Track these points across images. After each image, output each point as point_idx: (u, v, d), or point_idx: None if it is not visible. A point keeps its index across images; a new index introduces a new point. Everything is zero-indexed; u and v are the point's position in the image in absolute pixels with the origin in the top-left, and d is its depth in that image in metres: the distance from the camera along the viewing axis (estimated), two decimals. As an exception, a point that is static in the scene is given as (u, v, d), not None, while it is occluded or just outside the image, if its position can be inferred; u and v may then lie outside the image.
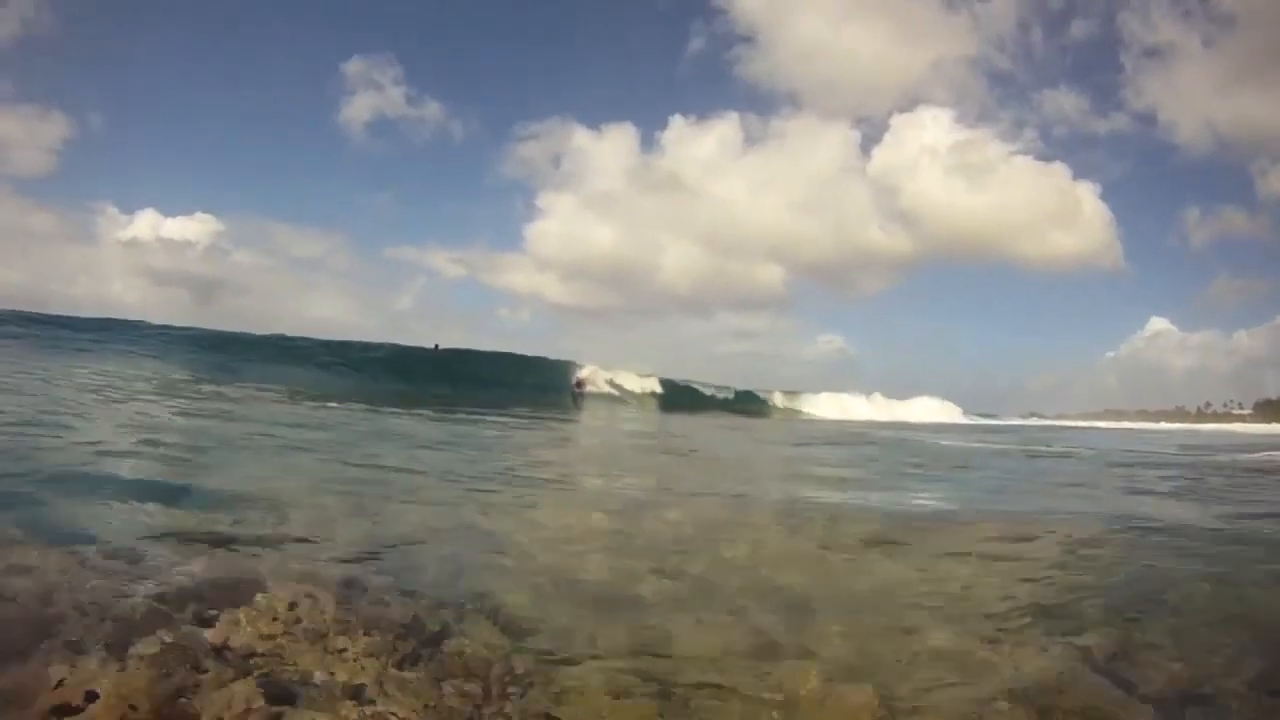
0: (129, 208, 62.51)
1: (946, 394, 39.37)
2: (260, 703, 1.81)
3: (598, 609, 2.82)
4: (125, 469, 4.47)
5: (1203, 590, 3.28)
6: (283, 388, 14.02)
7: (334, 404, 11.99)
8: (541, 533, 4.09)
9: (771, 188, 71.69)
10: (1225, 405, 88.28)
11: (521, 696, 2.06)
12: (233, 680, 1.89)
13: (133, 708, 1.73)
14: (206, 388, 12.67)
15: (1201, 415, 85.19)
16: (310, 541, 3.31)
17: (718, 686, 2.20)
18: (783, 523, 4.76)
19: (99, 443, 5.17)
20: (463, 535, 3.80)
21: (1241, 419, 74.54)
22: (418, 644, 2.29)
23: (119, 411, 7.84)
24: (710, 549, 3.81)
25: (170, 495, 3.79)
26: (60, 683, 1.77)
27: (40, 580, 2.32)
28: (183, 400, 9.83)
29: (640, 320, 69.29)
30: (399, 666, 2.12)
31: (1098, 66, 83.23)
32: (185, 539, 3.10)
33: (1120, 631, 2.76)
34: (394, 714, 1.87)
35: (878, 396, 37.17)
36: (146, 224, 56.96)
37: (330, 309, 62.16)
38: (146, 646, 1.93)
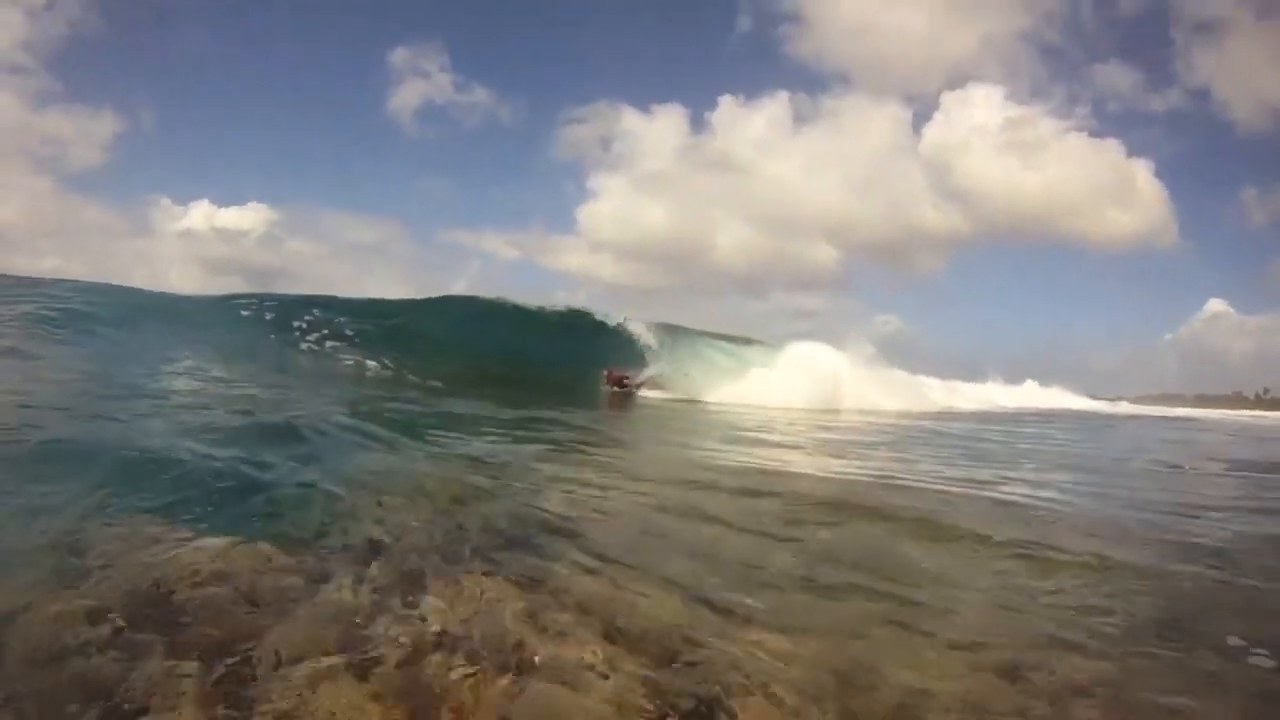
0: (183, 199, 64.98)
1: (1005, 376, 37.07)
2: (504, 683, 1.88)
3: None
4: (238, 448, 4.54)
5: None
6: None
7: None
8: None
9: (824, 167, 70.74)
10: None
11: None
12: (467, 666, 1.96)
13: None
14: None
15: (1260, 401, 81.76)
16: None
17: None
18: None
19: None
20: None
21: (1304, 405, 71.36)
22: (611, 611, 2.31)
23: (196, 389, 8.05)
24: None
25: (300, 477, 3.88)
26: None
27: (234, 585, 2.43)
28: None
29: (696, 299, 69.40)
30: (610, 639, 2.16)
31: (1149, 41, 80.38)
32: (344, 521, 3.20)
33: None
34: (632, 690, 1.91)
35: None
36: (201, 215, 59.02)
37: (386, 292, 63.04)
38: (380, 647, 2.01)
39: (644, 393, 17.68)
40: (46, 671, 1.89)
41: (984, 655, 2.34)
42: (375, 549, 2.97)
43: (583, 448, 6.70)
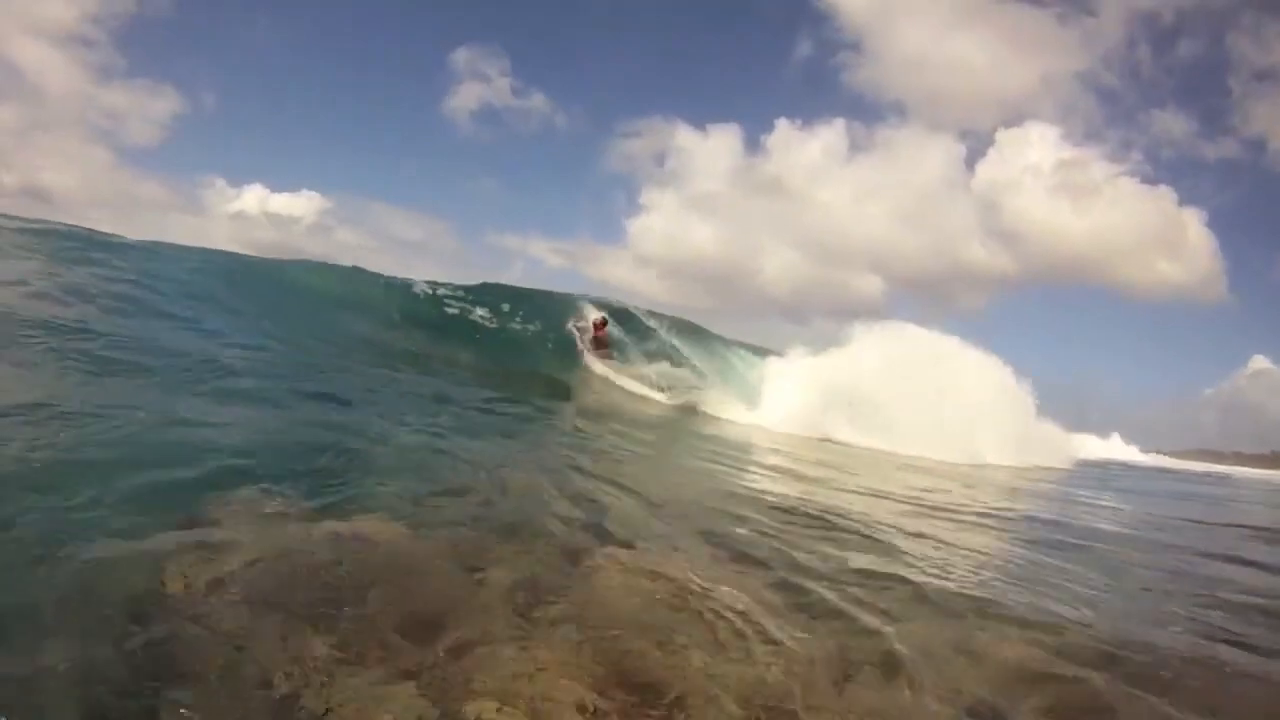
0: (237, 181, 66.25)
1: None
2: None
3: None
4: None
5: None
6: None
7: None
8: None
9: (874, 197, 70.18)
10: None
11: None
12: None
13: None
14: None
15: (1299, 462, 79.25)
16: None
17: None
18: None
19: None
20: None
21: (1346, 469, 68.87)
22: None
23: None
24: None
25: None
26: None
27: (383, 560, 2.36)
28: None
29: (737, 321, 68.20)
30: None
31: (1206, 88, 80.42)
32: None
33: None
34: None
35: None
36: (254, 198, 60.30)
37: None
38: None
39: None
40: (235, 665, 1.76)
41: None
42: (510, 526, 2.93)
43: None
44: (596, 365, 12.03)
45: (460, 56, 74.29)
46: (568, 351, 12.38)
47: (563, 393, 9.97)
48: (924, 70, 76.14)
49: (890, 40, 74.71)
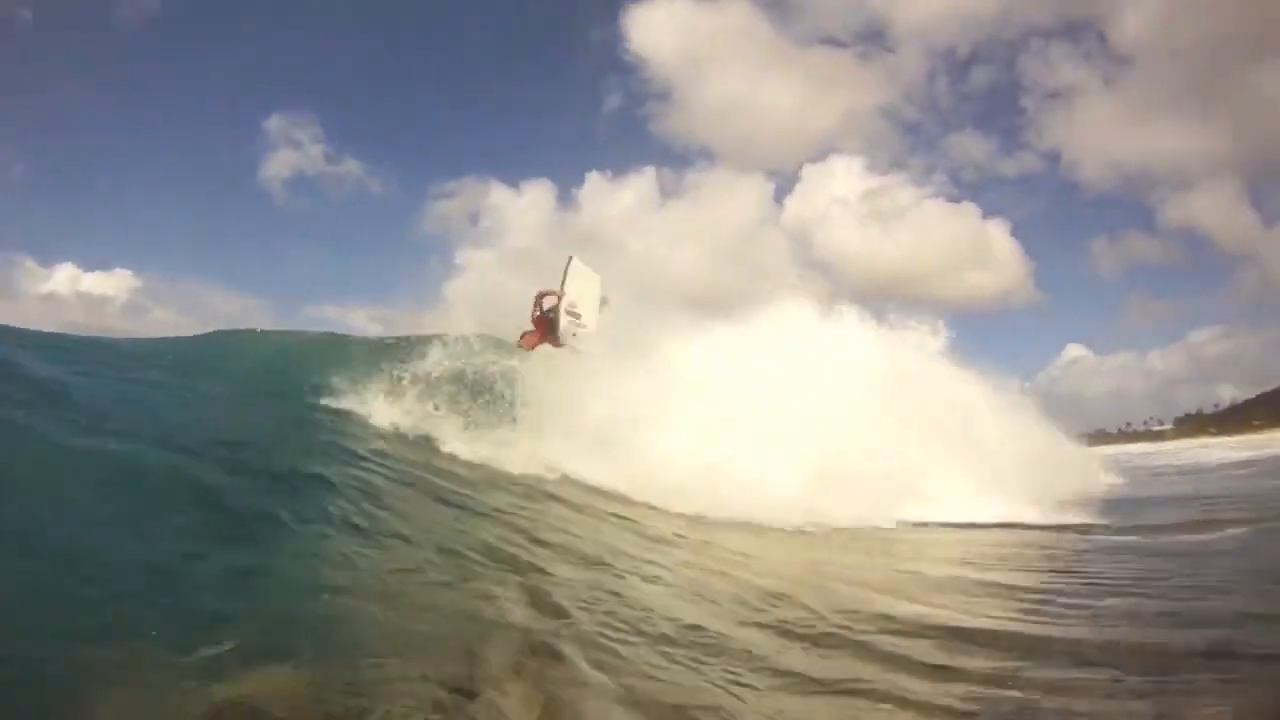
0: (47, 261, 59.38)
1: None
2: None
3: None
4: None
5: None
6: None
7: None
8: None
9: (689, 240, 72.72)
10: (1145, 423, 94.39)
11: None
12: None
13: None
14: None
15: (1123, 435, 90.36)
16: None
17: None
18: None
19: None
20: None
21: (1162, 435, 79.27)
22: None
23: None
24: None
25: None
26: None
27: None
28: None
29: None
30: None
31: (1001, 110, 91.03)
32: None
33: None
34: None
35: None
36: (65, 278, 54.39)
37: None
38: None
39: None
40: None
41: None
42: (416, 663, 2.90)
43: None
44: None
45: (273, 123, 70.68)
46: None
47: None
48: (731, 115, 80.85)
49: (697, 88, 79.30)
